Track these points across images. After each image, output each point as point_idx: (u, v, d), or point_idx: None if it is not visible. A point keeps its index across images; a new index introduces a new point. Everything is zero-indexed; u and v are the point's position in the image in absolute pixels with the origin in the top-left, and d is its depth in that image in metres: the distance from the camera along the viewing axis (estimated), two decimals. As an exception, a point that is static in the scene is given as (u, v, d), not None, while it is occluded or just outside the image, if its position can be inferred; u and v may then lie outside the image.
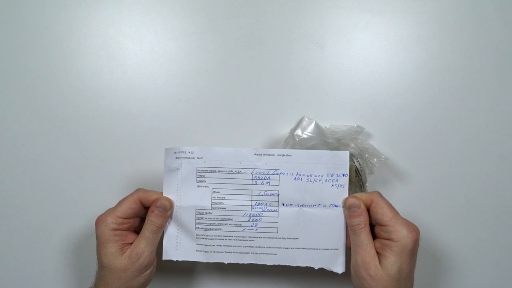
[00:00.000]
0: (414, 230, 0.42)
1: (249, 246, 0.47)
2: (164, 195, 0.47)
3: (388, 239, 0.42)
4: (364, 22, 0.59)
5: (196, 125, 0.58)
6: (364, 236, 0.43)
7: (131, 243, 0.45)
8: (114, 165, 0.57)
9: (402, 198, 0.57)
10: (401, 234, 0.41)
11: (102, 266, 0.44)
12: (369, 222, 0.44)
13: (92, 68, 0.57)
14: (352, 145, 0.53)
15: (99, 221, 0.45)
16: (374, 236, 0.45)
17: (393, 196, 0.57)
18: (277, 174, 0.46)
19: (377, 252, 0.43)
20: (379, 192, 0.45)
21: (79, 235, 0.56)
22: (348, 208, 0.45)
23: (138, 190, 0.47)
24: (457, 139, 0.58)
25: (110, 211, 0.46)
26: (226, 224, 0.47)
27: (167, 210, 0.46)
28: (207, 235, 0.47)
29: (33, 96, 0.57)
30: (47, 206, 0.56)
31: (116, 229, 0.45)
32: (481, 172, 0.57)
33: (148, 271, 0.46)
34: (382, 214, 0.43)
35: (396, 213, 0.43)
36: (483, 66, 0.58)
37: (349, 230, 0.45)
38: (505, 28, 0.58)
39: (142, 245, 0.44)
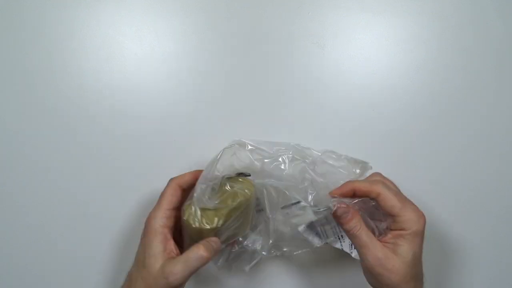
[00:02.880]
0: (422, 214, 0.43)
1: None
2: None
3: (399, 229, 0.42)
4: (364, 22, 0.59)
5: (196, 125, 0.58)
6: (364, 235, 0.42)
7: (173, 249, 0.44)
8: (114, 165, 0.57)
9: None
10: (412, 221, 0.42)
11: (144, 265, 0.43)
12: (363, 221, 0.44)
13: (92, 68, 0.57)
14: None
15: (151, 218, 0.44)
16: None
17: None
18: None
19: (387, 243, 0.43)
20: (382, 179, 0.45)
21: (79, 234, 0.56)
22: (338, 218, 0.44)
23: (170, 180, 0.47)
24: (457, 139, 0.58)
25: (156, 207, 0.45)
26: None
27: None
28: None
29: (33, 96, 0.57)
30: (47, 206, 0.56)
31: (165, 225, 0.44)
32: (481, 172, 0.57)
33: None
34: (392, 206, 0.42)
35: (403, 200, 0.43)
36: (483, 66, 0.58)
37: (346, 235, 0.45)
38: (505, 28, 0.58)
39: (180, 267, 0.42)
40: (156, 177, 0.56)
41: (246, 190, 0.45)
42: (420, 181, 0.57)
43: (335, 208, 0.43)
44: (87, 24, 0.58)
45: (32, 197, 0.56)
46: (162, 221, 0.44)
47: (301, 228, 0.47)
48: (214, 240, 0.44)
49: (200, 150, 0.56)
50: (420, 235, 0.42)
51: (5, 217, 0.56)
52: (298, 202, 0.45)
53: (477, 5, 0.58)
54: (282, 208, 0.46)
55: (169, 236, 0.45)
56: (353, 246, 0.47)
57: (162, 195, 0.46)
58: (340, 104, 0.58)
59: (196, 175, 0.46)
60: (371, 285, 0.44)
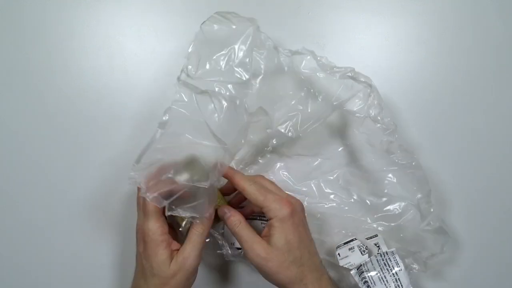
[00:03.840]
0: (287, 202, 0.44)
1: None
2: None
3: (269, 219, 0.44)
4: (364, 22, 0.59)
5: (196, 125, 0.58)
6: (244, 230, 0.44)
7: (176, 249, 0.45)
8: (114, 165, 0.57)
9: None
10: (275, 210, 0.44)
11: (153, 275, 0.43)
12: (244, 218, 0.46)
13: (92, 68, 0.57)
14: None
15: (146, 230, 0.44)
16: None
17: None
18: None
19: (265, 236, 0.45)
20: (256, 177, 0.47)
21: (80, 234, 0.56)
22: (221, 218, 0.47)
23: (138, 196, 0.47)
24: (457, 139, 0.58)
25: (146, 217, 0.44)
26: None
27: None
28: None
29: (33, 96, 0.57)
30: (47, 206, 0.56)
31: (163, 233, 0.44)
32: (480, 171, 0.57)
33: (193, 279, 0.46)
34: (255, 199, 0.44)
35: (267, 193, 0.45)
36: (483, 66, 0.58)
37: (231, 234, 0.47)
38: (505, 28, 0.58)
39: (188, 249, 0.44)
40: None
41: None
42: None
43: (218, 211, 0.47)
44: (87, 24, 0.58)
45: (32, 197, 0.56)
46: (159, 231, 0.44)
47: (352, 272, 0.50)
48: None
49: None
50: (287, 221, 0.43)
51: (5, 217, 0.56)
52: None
53: (477, 5, 0.58)
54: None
55: (171, 239, 0.45)
56: None
57: (148, 203, 0.44)
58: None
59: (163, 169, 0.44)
60: (265, 278, 0.45)
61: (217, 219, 0.48)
